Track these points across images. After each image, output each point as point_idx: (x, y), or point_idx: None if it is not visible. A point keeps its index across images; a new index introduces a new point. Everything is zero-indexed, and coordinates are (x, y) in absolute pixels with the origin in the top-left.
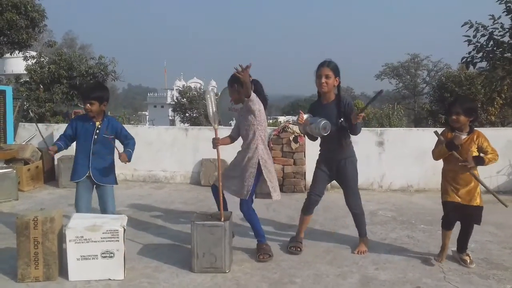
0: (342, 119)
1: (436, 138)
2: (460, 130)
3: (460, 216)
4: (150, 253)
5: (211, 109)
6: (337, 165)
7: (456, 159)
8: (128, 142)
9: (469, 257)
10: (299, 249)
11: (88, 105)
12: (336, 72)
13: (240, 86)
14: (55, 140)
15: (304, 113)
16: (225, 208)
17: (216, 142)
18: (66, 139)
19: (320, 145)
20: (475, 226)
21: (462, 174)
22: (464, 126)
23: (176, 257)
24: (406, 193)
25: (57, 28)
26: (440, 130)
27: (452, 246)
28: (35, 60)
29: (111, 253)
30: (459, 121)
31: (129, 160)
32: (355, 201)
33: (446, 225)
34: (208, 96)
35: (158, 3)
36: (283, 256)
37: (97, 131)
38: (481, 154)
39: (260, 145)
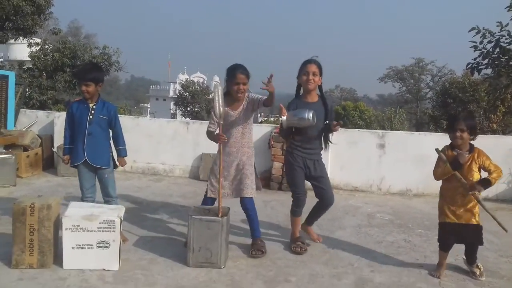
0: (327, 121)
1: (434, 156)
2: (460, 148)
3: (461, 237)
4: (145, 245)
5: (217, 104)
6: (314, 165)
7: (457, 179)
8: (118, 138)
9: (479, 269)
10: (303, 249)
11: (84, 86)
12: (321, 71)
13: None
14: (55, 128)
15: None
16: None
17: (220, 138)
18: (71, 132)
19: (297, 144)
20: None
21: (462, 193)
22: (465, 144)
23: (171, 250)
24: (404, 197)
25: (62, 16)
26: (437, 141)
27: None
28: (39, 47)
29: (107, 243)
30: (463, 138)
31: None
32: (332, 196)
33: (444, 247)
34: (216, 90)
35: None
36: (278, 254)
37: (92, 111)
38: (486, 174)
39: (251, 143)
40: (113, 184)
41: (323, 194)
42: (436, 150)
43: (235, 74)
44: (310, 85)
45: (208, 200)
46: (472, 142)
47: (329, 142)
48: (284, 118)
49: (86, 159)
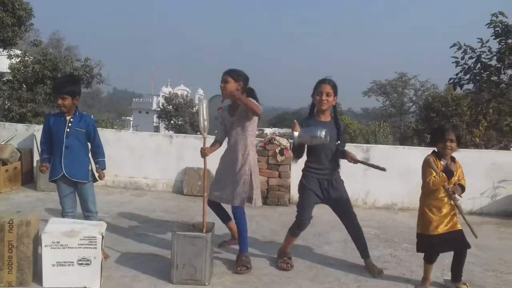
0: (339, 141)
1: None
2: (447, 158)
3: (450, 245)
4: (128, 262)
5: (202, 118)
6: (330, 185)
7: (444, 189)
8: (98, 150)
9: (466, 285)
10: (289, 265)
11: (61, 100)
12: (336, 91)
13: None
14: (35, 141)
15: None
16: (228, 218)
17: (204, 152)
18: (47, 145)
19: (312, 165)
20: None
21: (447, 202)
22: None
23: (155, 267)
24: (390, 211)
25: (44, 27)
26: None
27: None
28: (19, 59)
29: (88, 260)
30: (453, 148)
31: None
32: (356, 219)
33: (431, 259)
34: (201, 104)
35: (149, 9)
36: (264, 270)
37: (69, 124)
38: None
39: (251, 151)
40: (93, 198)
41: (345, 218)
42: (427, 160)
43: (222, 77)
44: (323, 105)
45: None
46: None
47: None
48: (296, 134)
49: (64, 173)
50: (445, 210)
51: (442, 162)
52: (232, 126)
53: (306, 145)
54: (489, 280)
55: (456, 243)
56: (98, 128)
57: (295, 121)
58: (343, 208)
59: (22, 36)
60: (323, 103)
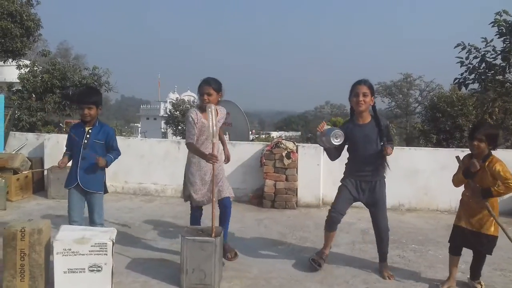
0: (383, 142)
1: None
2: (477, 157)
3: (470, 243)
4: (138, 268)
5: (211, 123)
6: (369, 187)
7: (472, 187)
8: (113, 151)
9: (481, 285)
10: (319, 264)
11: (87, 110)
12: (372, 91)
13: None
14: (45, 150)
15: (327, 125)
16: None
17: (213, 160)
18: (70, 153)
19: (352, 164)
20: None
21: (476, 201)
22: (483, 154)
23: (164, 272)
24: (397, 212)
25: (51, 37)
26: (458, 153)
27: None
28: (28, 69)
29: (99, 266)
30: (480, 147)
31: (106, 166)
32: (387, 226)
33: (452, 249)
34: (210, 109)
35: (154, 16)
36: (273, 274)
37: (88, 135)
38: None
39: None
40: (100, 210)
41: (373, 219)
42: (457, 157)
43: (200, 86)
44: (361, 106)
45: (196, 211)
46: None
47: (387, 166)
48: (318, 133)
49: (78, 182)
50: (473, 209)
51: (472, 161)
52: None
53: (343, 146)
54: (498, 280)
55: (478, 244)
56: None
57: (323, 121)
58: (375, 211)
59: (31, 47)
60: (361, 103)
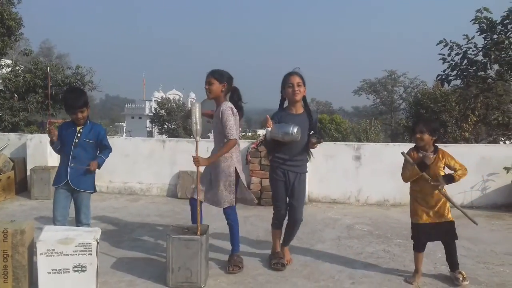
0: (312, 132)
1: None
2: (424, 149)
3: (436, 235)
4: (124, 267)
5: (194, 122)
6: (296, 178)
7: (425, 180)
8: (105, 150)
9: (462, 274)
10: (283, 265)
11: (80, 113)
12: (304, 81)
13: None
14: (28, 150)
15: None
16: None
17: (197, 164)
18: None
19: (280, 156)
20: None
21: (432, 193)
22: (429, 146)
23: (150, 271)
24: (382, 207)
25: (34, 36)
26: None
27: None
28: (10, 68)
29: (84, 267)
30: (423, 139)
31: (98, 167)
32: (301, 215)
33: (418, 247)
34: (194, 108)
35: (138, 14)
36: (259, 270)
37: (79, 135)
38: (451, 172)
39: (234, 153)
40: (87, 210)
41: (291, 211)
42: (402, 153)
43: (206, 79)
44: (297, 96)
45: (193, 202)
46: (438, 145)
47: (311, 154)
48: (268, 129)
49: (68, 180)
50: (431, 201)
51: (420, 154)
52: (215, 127)
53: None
54: (481, 272)
55: (443, 234)
56: None
57: (267, 116)
58: (297, 203)
59: (12, 46)
60: (296, 93)
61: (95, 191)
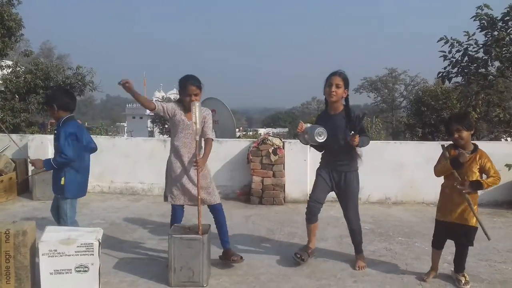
0: (352, 132)
1: (437, 153)
2: (464, 148)
3: (453, 235)
4: (125, 267)
5: (193, 121)
6: (342, 178)
7: (455, 178)
8: (57, 154)
9: (465, 277)
10: (302, 258)
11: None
12: (346, 83)
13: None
14: (29, 151)
15: (305, 123)
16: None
17: (198, 168)
18: None
19: (325, 155)
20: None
21: (459, 192)
22: (468, 144)
23: (152, 271)
24: (384, 206)
25: (34, 37)
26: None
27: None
28: (10, 69)
29: (86, 267)
30: (463, 137)
31: (44, 168)
32: (355, 217)
33: (436, 244)
34: (194, 107)
35: (138, 15)
36: (261, 269)
37: (54, 137)
38: (483, 176)
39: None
40: (64, 216)
41: (344, 212)
42: (442, 145)
43: (186, 86)
44: (332, 97)
45: (176, 209)
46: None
47: (359, 157)
48: (299, 133)
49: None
50: (456, 199)
51: (457, 151)
52: (190, 129)
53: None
54: (483, 270)
55: (461, 236)
56: (92, 135)
57: (300, 121)
58: (344, 203)
59: (13, 47)
60: (332, 94)
61: (66, 197)
